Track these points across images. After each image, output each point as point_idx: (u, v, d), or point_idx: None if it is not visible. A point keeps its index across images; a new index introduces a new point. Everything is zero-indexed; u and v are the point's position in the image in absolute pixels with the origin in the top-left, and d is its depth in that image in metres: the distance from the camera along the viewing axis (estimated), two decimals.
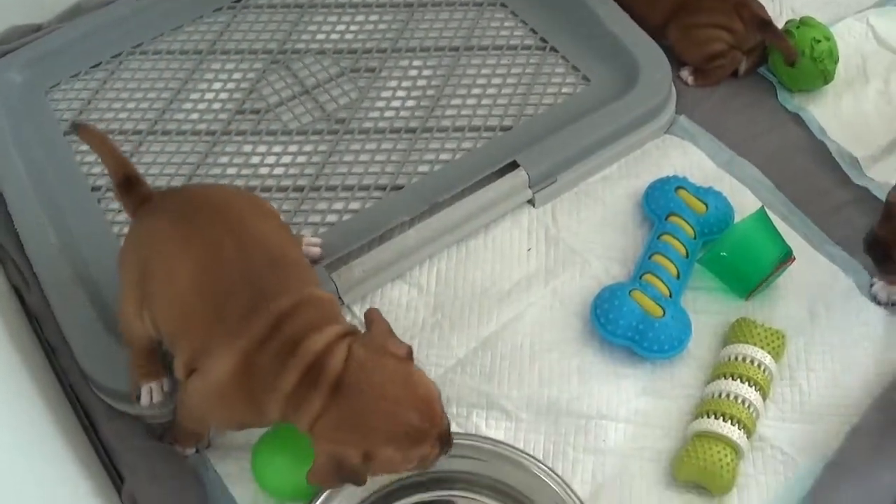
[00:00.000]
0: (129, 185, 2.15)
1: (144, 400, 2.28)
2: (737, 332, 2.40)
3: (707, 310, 2.51)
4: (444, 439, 1.97)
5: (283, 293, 1.95)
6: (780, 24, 3.05)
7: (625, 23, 2.98)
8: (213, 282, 1.97)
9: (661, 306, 2.41)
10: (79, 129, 2.25)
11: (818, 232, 2.66)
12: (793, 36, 2.92)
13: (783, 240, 2.50)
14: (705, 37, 2.98)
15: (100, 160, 2.51)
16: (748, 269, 2.46)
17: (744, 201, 2.70)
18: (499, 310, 2.54)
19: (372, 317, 1.99)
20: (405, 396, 1.88)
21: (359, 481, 1.90)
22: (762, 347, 2.34)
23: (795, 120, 2.93)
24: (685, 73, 3.02)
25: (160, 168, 2.76)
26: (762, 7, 3.01)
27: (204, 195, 2.19)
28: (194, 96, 2.96)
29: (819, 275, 2.58)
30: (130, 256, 2.12)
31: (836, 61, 2.96)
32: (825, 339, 2.47)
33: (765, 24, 2.95)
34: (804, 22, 2.96)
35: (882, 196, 2.49)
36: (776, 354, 2.37)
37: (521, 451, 2.19)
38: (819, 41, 2.90)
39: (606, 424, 2.36)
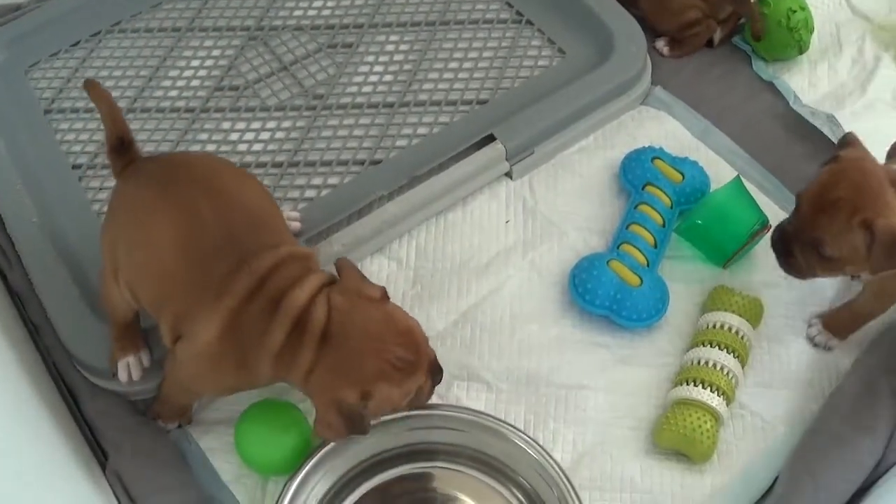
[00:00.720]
0: (121, 147, 2.16)
1: (122, 375, 2.30)
2: (715, 299, 2.42)
3: (685, 278, 2.54)
4: (434, 369, 2.05)
5: (263, 252, 1.98)
6: None
7: None
8: (194, 244, 1.99)
9: (638, 275, 2.43)
10: (89, 86, 2.23)
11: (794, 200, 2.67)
12: (769, 5, 2.93)
13: (759, 208, 2.52)
14: (679, 5, 2.98)
15: (80, 138, 2.57)
16: (724, 237, 2.49)
17: (720, 171, 2.72)
18: (478, 282, 2.55)
19: (342, 265, 2.05)
20: (388, 333, 1.94)
21: (363, 426, 1.94)
22: (740, 314, 2.37)
23: (770, 89, 2.95)
24: (660, 44, 3.03)
25: (140, 146, 2.72)
26: None
27: (181, 160, 2.23)
28: (173, 73, 2.96)
29: None
30: (110, 222, 2.15)
31: (811, 31, 2.98)
32: (803, 306, 2.49)
33: None
34: None
35: None
36: (754, 321, 2.40)
37: (502, 421, 2.21)
38: (795, 11, 2.92)
39: (586, 394, 2.38)
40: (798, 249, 2.19)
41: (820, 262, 2.17)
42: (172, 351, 2.05)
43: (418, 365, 1.97)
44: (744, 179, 2.59)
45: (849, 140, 2.22)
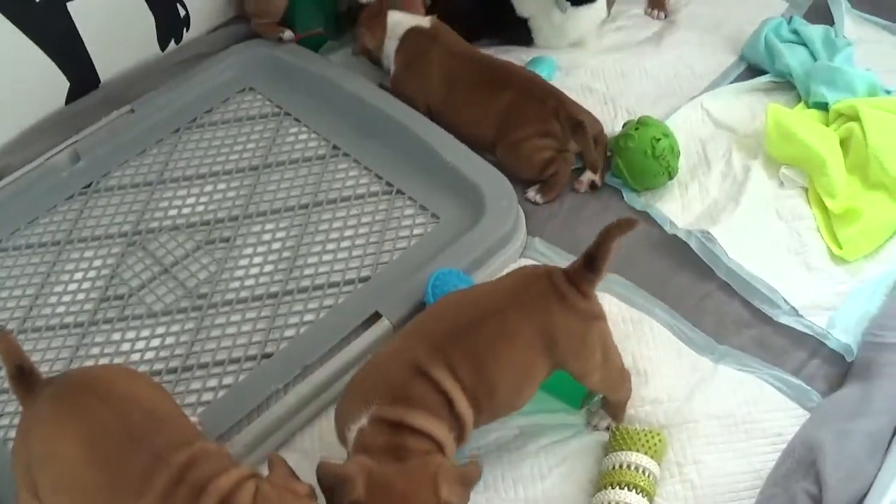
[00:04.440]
0: (21, 375, 2.16)
1: None
2: (617, 439, 2.45)
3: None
4: None
5: (177, 447, 1.98)
6: (617, 126, 3.14)
7: (464, 154, 3.06)
8: (99, 453, 2.00)
9: None
10: None
11: (686, 323, 2.75)
12: (633, 138, 3.00)
13: None
14: (531, 148, 3.07)
15: None
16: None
17: (607, 306, 2.72)
18: None
19: (273, 460, 2.04)
20: None
21: None
22: (641, 451, 2.40)
23: (645, 218, 3.00)
24: (531, 194, 3.09)
25: (36, 367, 2.74)
26: (583, 111, 3.11)
27: (75, 376, 2.22)
28: (58, 289, 2.96)
29: (690, 366, 2.66)
30: (20, 447, 2.15)
31: (677, 155, 3.05)
32: (707, 430, 2.53)
33: (577, 125, 3.04)
34: (642, 122, 3.05)
35: (747, 277, 2.74)
36: (657, 454, 2.42)
37: None
38: (659, 139, 2.99)
39: None
40: None
41: None
42: None
43: None
44: (630, 308, 2.68)
45: None
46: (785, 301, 2.78)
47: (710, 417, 2.54)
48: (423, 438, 2.09)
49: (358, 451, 2.09)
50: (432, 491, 2.01)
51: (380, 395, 2.13)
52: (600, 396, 2.54)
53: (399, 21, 3.40)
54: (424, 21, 3.39)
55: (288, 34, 3.58)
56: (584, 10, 3.56)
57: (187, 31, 3.65)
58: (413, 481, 2.03)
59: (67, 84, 3.37)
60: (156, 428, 2.03)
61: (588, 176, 3.10)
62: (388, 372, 2.19)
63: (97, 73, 3.44)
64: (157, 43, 3.57)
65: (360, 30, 3.45)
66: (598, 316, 2.30)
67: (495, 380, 2.20)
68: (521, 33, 3.66)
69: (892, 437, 2.46)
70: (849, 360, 2.66)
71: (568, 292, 2.24)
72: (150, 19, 3.50)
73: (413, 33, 3.37)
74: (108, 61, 3.45)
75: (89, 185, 3.25)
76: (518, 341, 2.21)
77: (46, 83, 3.31)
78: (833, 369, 2.67)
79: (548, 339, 2.22)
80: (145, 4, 3.46)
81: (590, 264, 2.24)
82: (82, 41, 3.33)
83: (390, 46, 3.40)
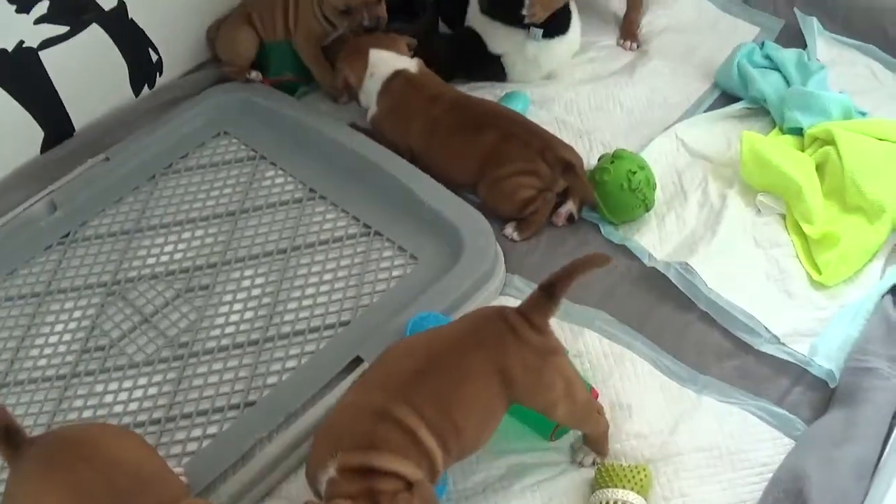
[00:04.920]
0: (7, 435, 2.16)
1: None
2: (603, 476, 2.44)
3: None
4: None
5: None
6: (593, 159, 3.14)
7: (441, 194, 3.06)
8: None
9: None
10: None
11: (667, 355, 2.75)
12: (609, 172, 3.00)
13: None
14: (513, 186, 3.05)
15: None
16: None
17: (587, 341, 2.78)
18: None
19: None
20: None
21: None
22: (627, 486, 2.39)
23: (624, 251, 3.01)
24: (509, 230, 3.09)
25: (18, 420, 2.72)
26: (568, 148, 3.10)
27: (60, 437, 2.22)
28: (39, 341, 2.95)
29: (673, 399, 2.66)
30: None
31: (653, 187, 3.05)
32: (693, 463, 2.53)
33: (569, 166, 3.04)
34: (618, 155, 3.05)
35: (728, 307, 2.72)
36: (643, 489, 2.42)
37: None
38: (635, 172, 2.99)
39: None
40: None
41: None
42: None
43: None
44: (610, 341, 2.71)
45: None
46: (766, 329, 2.78)
47: (696, 450, 2.54)
48: (393, 479, 2.09)
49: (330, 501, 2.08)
50: None
51: (344, 445, 2.12)
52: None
53: (383, 59, 3.35)
54: (412, 65, 3.35)
55: (255, 74, 3.60)
56: (556, 43, 3.58)
57: (160, 75, 3.66)
58: None
59: (42, 133, 3.37)
60: (142, 487, 2.03)
61: (567, 208, 3.10)
62: (349, 422, 2.18)
63: (71, 121, 3.44)
64: (130, 88, 3.58)
65: (340, 65, 3.42)
66: (555, 351, 2.31)
67: (460, 420, 2.19)
68: (494, 70, 3.67)
69: (878, 462, 2.45)
70: (832, 386, 2.66)
71: (522, 329, 2.25)
72: (123, 65, 3.51)
73: (400, 78, 3.32)
74: (82, 109, 3.45)
75: (67, 235, 3.24)
76: (478, 382, 2.22)
77: (21, 133, 3.31)
78: (817, 396, 2.66)
79: (504, 377, 2.22)
80: (118, 50, 3.46)
81: (549, 292, 2.26)
82: (55, 89, 3.33)
83: (372, 85, 3.35)
